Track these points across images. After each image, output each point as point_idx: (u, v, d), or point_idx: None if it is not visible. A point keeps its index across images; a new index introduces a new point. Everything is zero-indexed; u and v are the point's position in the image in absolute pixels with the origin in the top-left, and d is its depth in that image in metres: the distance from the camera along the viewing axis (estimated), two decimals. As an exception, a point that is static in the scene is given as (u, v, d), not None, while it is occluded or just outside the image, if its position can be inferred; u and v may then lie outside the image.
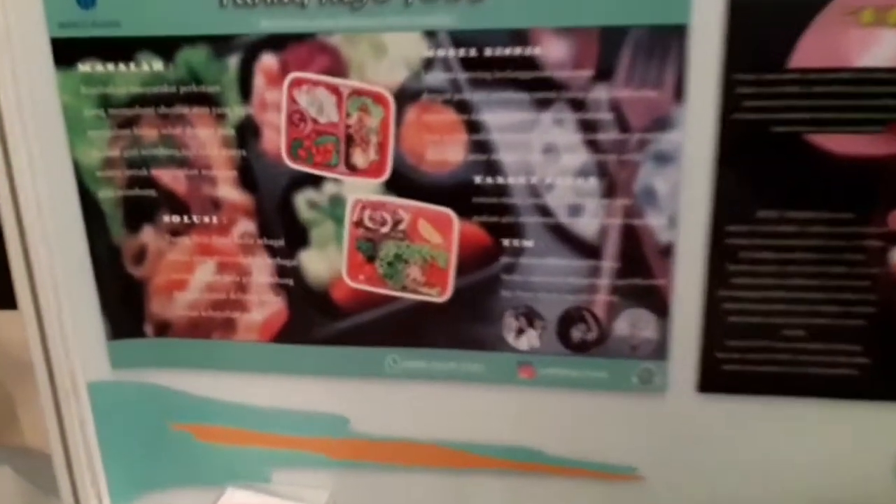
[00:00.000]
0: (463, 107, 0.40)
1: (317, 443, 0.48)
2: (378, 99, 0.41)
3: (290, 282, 0.45)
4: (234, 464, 0.49)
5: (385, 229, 0.43)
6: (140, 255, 0.46)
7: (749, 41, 0.37)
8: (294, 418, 0.48)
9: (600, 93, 0.39)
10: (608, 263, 0.42)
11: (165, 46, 0.41)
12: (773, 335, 0.41)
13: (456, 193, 0.42)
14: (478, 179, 0.41)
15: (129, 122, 0.43)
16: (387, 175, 0.42)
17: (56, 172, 0.44)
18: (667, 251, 0.41)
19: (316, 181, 0.43)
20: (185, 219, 0.45)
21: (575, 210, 0.41)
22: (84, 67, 0.42)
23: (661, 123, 0.39)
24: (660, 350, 0.43)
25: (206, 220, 0.45)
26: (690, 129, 0.39)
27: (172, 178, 0.44)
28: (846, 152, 0.38)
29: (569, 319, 0.43)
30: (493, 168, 0.41)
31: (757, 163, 0.39)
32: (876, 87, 0.37)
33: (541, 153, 0.41)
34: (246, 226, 0.44)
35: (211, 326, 0.47)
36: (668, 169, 0.40)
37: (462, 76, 0.40)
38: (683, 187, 0.40)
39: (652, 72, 0.38)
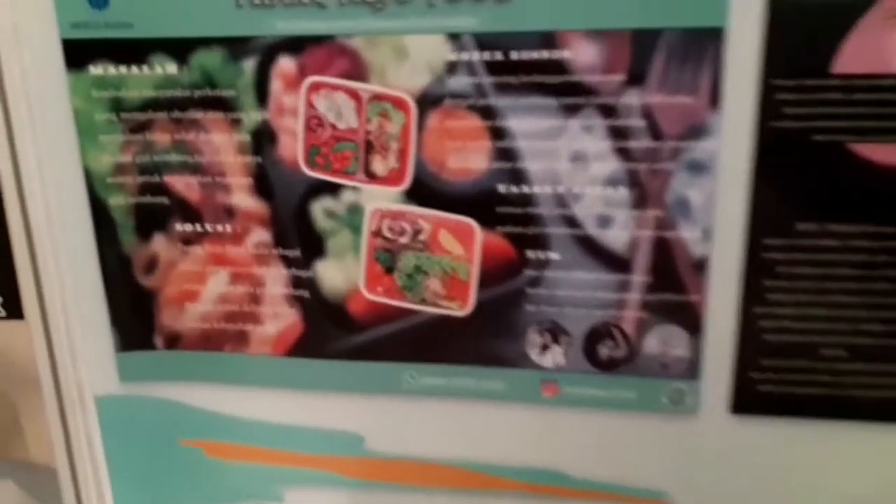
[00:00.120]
0: (487, 112, 0.39)
1: (331, 461, 0.47)
2: (399, 104, 0.40)
3: (306, 293, 0.44)
4: (245, 482, 0.49)
5: (404, 239, 0.42)
6: (151, 265, 0.45)
7: (789, 45, 0.36)
8: (307, 435, 0.47)
9: (632, 98, 0.38)
10: (638, 277, 0.41)
11: (179, 48, 0.41)
12: (811, 355, 0.40)
13: (479, 203, 0.41)
14: (502, 188, 0.40)
15: (141, 127, 0.43)
16: (407, 183, 0.41)
17: (66, 178, 0.44)
18: (700, 265, 0.40)
19: (333, 189, 0.42)
20: (198, 227, 0.44)
21: (604, 221, 0.40)
22: (96, 70, 0.42)
23: (696, 131, 0.38)
24: (692, 369, 0.41)
25: (220, 228, 0.44)
26: (726, 137, 0.38)
27: (185, 185, 0.44)
28: (890, 162, 0.37)
29: (596, 336, 0.42)
30: (517, 176, 0.40)
31: (796, 173, 0.38)
32: (923, 95, 0.35)
33: (568, 161, 0.39)
34: (260, 235, 0.44)
35: (223, 339, 0.46)
36: (702, 179, 0.38)
37: (487, 80, 0.39)
38: (718, 198, 0.39)
39: (686, 77, 0.37)
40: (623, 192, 0.39)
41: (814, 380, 0.40)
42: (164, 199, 0.44)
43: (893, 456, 0.41)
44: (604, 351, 0.42)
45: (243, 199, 0.43)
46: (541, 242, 0.41)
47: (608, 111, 0.38)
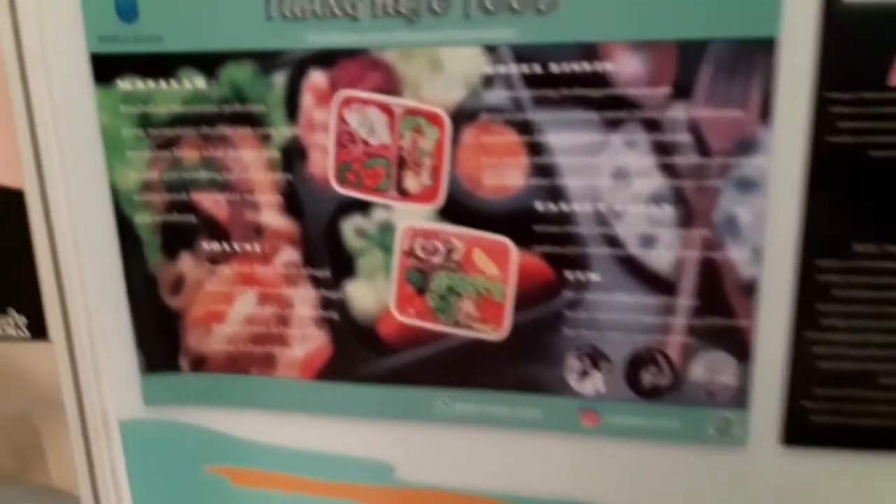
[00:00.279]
0: (525, 127, 0.38)
1: (359, 490, 0.46)
2: (433, 119, 0.39)
3: (335, 315, 0.43)
4: (271, 511, 0.48)
5: (437, 259, 0.41)
6: (177, 285, 0.45)
7: (845, 56, 0.35)
8: (335, 463, 0.46)
9: (677, 112, 0.37)
10: (684, 300, 0.39)
11: (208, 62, 0.40)
12: (868, 383, 0.39)
13: (515, 221, 0.40)
14: (539, 206, 0.39)
15: (169, 143, 0.43)
16: (440, 201, 0.40)
17: (92, 196, 0.44)
18: (750, 288, 0.38)
19: (364, 207, 0.41)
20: (226, 246, 0.44)
21: (647, 241, 0.39)
22: (124, 85, 0.42)
23: (745, 146, 0.37)
24: (740, 398, 0.40)
25: (248, 247, 0.44)
26: (778, 152, 0.37)
27: (213, 203, 0.43)
28: (952, 179, 0.36)
29: (638, 362, 0.41)
30: (556, 194, 0.39)
31: (852, 190, 0.37)
32: None
33: (610, 178, 0.38)
34: (289, 254, 0.43)
35: (249, 362, 0.45)
36: (752, 196, 0.37)
37: (525, 94, 0.38)
38: (769, 217, 0.37)
39: (735, 89, 0.36)
40: (668, 211, 0.38)
41: (870, 410, 0.39)
42: (191, 217, 0.44)
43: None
44: (647, 378, 0.41)
45: (272, 217, 0.43)
46: (580, 263, 0.40)
47: (652, 125, 0.37)
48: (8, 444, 0.49)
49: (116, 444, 0.47)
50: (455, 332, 0.42)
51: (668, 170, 0.38)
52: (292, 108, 0.40)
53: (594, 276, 0.40)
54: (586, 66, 0.37)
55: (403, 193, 0.41)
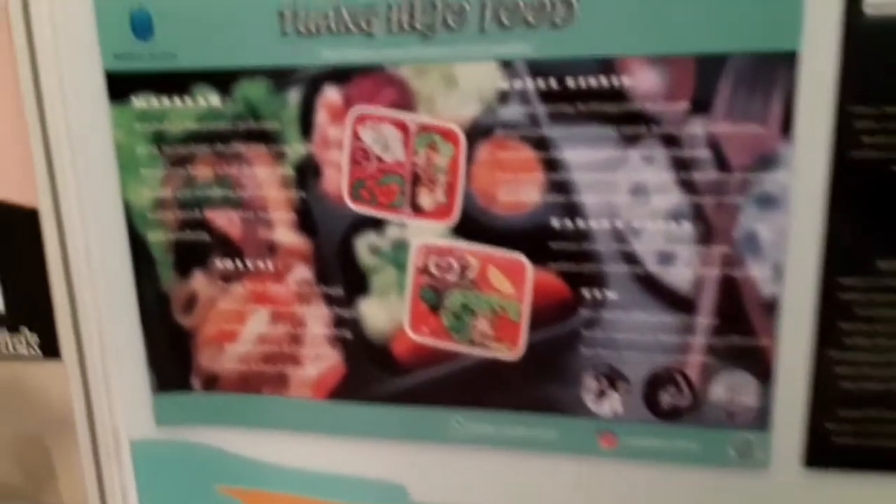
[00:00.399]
0: (541, 143, 0.38)
1: None
2: (447, 135, 0.39)
3: (348, 334, 0.43)
4: (283, 533, 0.47)
5: (451, 277, 0.41)
6: (190, 303, 0.45)
7: (867, 69, 0.34)
8: (348, 484, 0.46)
9: (696, 127, 0.36)
10: (703, 319, 0.39)
11: (223, 79, 0.40)
12: (892, 404, 0.38)
13: (530, 238, 0.39)
14: (555, 223, 0.39)
15: (183, 161, 0.42)
16: (455, 218, 0.40)
17: (105, 214, 0.44)
18: (771, 306, 0.38)
19: (378, 224, 0.41)
20: (239, 264, 0.44)
21: (666, 258, 0.38)
22: (139, 102, 0.42)
23: (766, 162, 0.36)
24: (761, 419, 0.39)
25: (261, 265, 0.43)
26: (799, 168, 0.36)
27: (227, 221, 0.43)
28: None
29: (657, 382, 0.40)
30: (572, 210, 0.39)
31: (876, 206, 0.36)
32: None
33: (628, 194, 0.38)
34: (302, 272, 0.43)
35: (261, 381, 0.45)
36: (773, 213, 0.37)
37: (541, 110, 0.38)
38: (790, 234, 0.37)
39: (755, 104, 0.36)
40: (687, 227, 0.38)
41: (894, 431, 0.38)
42: (204, 235, 0.44)
43: None
44: (666, 398, 0.40)
45: (285, 234, 0.42)
46: (597, 280, 0.39)
47: (671, 141, 0.37)
48: (19, 463, 0.49)
49: (127, 465, 0.47)
50: (469, 351, 0.42)
51: (687, 186, 0.37)
52: (306, 124, 0.40)
53: (611, 295, 0.39)
54: (603, 81, 0.37)
55: (417, 210, 0.40)
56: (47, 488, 0.49)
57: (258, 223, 0.43)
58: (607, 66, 0.36)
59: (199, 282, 0.44)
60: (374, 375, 0.43)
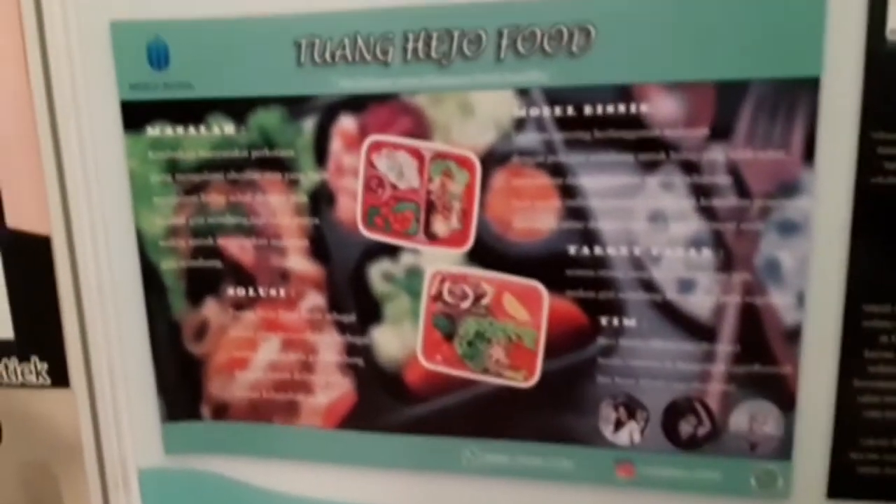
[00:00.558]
0: (557, 170, 0.38)
1: None
2: (463, 162, 0.39)
3: (360, 361, 0.43)
4: (293, 565, 0.46)
5: (466, 304, 0.40)
6: (201, 331, 0.44)
7: (889, 95, 0.34)
8: None
9: (716, 154, 0.36)
10: (724, 347, 0.38)
11: (238, 108, 0.40)
12: None
13: (547, 265, 0.39)
14: (572, 250, 0.39)
15: (196, 189, 0.42)
16: (469, 245, 0.40)
17: (118, 242, 0.43)
18: (793, 334, 0.37)
19: (392, 252, 0.41)
20: (251, 291, 0.43)
21: (685, 285, 0.38)
22: (153, 131, 0.41)
23: (787, 188, 0.36)
24: (783, 449, 0.39)
25: (273, 292, 0.43)
26: (821, 194, 0.36)
27: (239, 248, 0.43)
28: None
29: (676, 411, 0.40)
30: (589, 237, 0.38)
31: None
32: None
33: (646, 221, 0.38)
34: (315, 299, 0.42)
35: (272, 409, 0.45)
36: (794, 240, 0.36)
37: (557, 137, 0.37)
38: (813, 261, 0.36)
39: (776, 130, 0.35)
40: (707, 255, 0.37)
41: None
42: (216, 263, 0.43)
43: None
44: (685, 428, 0.40)
45: (299, 261, 0.42)
46: (615, 308, 0.39)
47: (690, 167, 0.37)
48: (27, 491, 0.48)
49: (135, 493, 0.47)
50: (484, 380, 0.41)
51: (707, 213, 0.37)
52: (321, 152, 0.40)
53: (629, 322, 0.39)
54: (620, 108, 0.36)
55: (432, 237, 0.40)
56: (55, 519, 0.48)
57: (271, 251, 0.42)
58: (625, 93, 0.36)
59: (210, 309, 0.44)
60: (385, 404, 0.43)
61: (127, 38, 0.40)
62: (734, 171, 0.36)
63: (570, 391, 0.40)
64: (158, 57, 0.40)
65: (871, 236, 0.36)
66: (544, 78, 0.37)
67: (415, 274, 0.41)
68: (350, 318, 0.42)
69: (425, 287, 0.41)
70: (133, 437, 0.46)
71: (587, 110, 0.37)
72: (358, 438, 0.43)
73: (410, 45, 0.37)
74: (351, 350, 0.43)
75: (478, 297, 0.40)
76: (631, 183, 0.37)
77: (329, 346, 0.43)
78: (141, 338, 0.45)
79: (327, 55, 0.38)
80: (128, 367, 0.45)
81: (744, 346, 0.38)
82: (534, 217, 0.39)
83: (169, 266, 0.43)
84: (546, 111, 0.37)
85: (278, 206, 0.41)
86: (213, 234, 0.43)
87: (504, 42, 0.37)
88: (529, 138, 0.38)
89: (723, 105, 0.35)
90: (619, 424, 0.40)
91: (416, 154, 0.39)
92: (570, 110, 0.37)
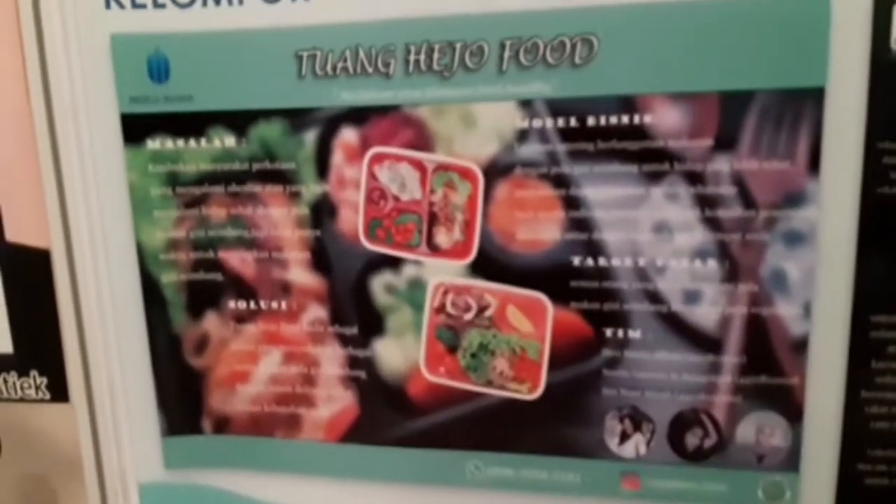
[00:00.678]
0: (560, 181, 0.38)
1: None
2: (465, 174, 0.39)
3: (362, 374, 0.42)
4: (295, 580, 0.46)
5: (469, 316, 0.40)
6: (201, 345, 0.44)
7: (895, 105, 0.34)
8: None
9: (721, 164, 0.36)
10: (730, 358, 0.38)
11: (239, 121, 0.40)
12: None
13: (550, 277, 0.39)
14: (576, 261, 0.38)
15: (196, 202, 0.42)
16: (472, 256, 0.39)
17: (118, 255, 0.43)
18: (800, 345, 0.37)
19: (394, 263, 0.41)
20: (252, 304, 0.43)
21: (691, 297, 0.38)
22: (153, 144, 0.41)
23: (793, 199, 0.36)
24: (791, 460, 0.39)
25: (274, 305, 0.43)
26: (827, 204, 0.36)
27: (240, 261, 0.42)
28: None
29: (682, 423, 0.39)
30: (594, 248, 0.38)
31: None
32: None
33: (650, 232, 0.37)
34: (317, 312, 0.42)
35: (273, 423, 0.44)
36: (800, 250, 0.36)
37: (560, 148, 0.37)
38: (819, 272, 0.36)
39: (781, 140, 0.35)
40: (712, 266, 0.37)
41: None
42: (217, 276, 0.43)
43: None
44: (691, 440, 0.39)
45: (300, 274, 0.42)
46: (620, 319, 0.39)
47: (694, 178, 0.36)
48: (25, 507, 0.48)
49: (135, 509, 0.46)
50: (487, 392, 0.41)
51: (712, 223, 0.37)
52: (322, 165, 0.40)
53: (634, 334, 0.39)
54: (624, 119, 0.36)
55: (434, 249, 0.40)
56: (54, 535, 0.48)
57: (272, 263, 0.42)
58: (628, 104, 0.36)
59: (211, 323, 0.44)
60: (388, 417, 0.42)
61: (127, 51, 0.40)
62: (739, 181, 0.36)
63: (574, 403, 0.40)
64: (159, 70, 0.39)
65: (877, 246, 0.35)
66: (547, 89, 0.36)
67: (417, 286, 0.40)
68: (352, 331, 0.42)
69: (428, 299, 0.40)
70: (133, 451, 0.46)
71: (590, 121, 0.36)
72: (360, 452, 0.43)
73: (412, 58, 0.37)
74: (353, 363, 0.42)
75: (481, 309, 0.40)
76: (635, 194, 0.37)
77: (331, 359, 0.42)
78: (141, 351, 0.44)
79: (328, 67, 0.38)
80: (128, 380, 0.45)
81: (750, 358, 0.38)
82: (537, 228, 0.38)
83: (169, 279, 0.43)
84: (549, 122, 0.37)
85: (279, 219, 0.41)
86: (213, 247, 0.42)
87: (506, 53, 0.36)
88: (532, 149, 0.37)
89: (727, 115, 0.35)
90: (624, 437, 0.40)
91: (419, 166, 0.39)
92: (574, 121, 0.37)
